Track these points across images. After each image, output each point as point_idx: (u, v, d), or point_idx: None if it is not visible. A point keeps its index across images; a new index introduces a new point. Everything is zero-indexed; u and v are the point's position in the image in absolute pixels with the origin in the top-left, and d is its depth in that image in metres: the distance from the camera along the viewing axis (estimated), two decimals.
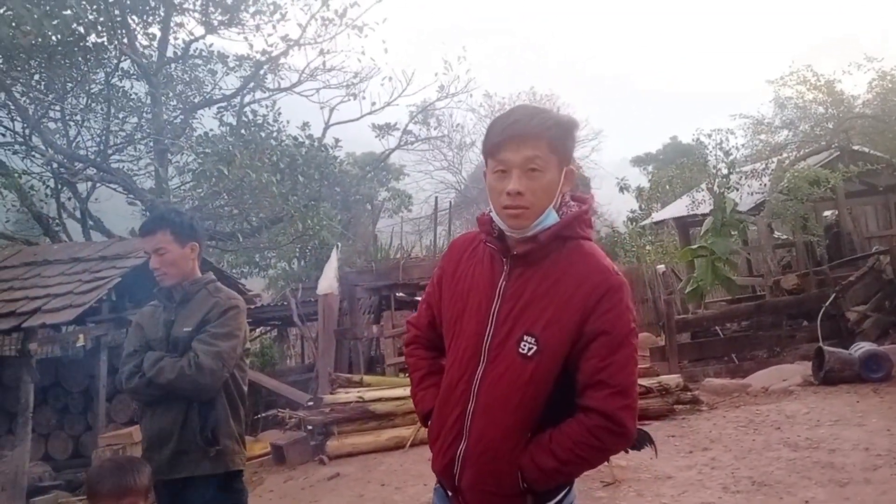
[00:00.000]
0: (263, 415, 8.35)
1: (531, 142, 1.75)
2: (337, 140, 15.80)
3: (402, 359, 8.22)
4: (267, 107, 14.99)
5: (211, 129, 13.63)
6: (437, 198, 16.42)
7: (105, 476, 2.62)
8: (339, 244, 12.54)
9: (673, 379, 7.69)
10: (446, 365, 1.94)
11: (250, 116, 14.64)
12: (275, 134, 14.19)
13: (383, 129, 17.78)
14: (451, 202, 17.44)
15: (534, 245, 1.78)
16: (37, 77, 12.26)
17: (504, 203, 1.76)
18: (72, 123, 13.47)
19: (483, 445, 1.78)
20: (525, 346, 1.74)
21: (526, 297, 1.78)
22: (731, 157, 13.16)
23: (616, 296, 1.74)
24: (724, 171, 12.44)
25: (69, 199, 13.90)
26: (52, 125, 13.13)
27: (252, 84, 14.87)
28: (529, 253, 1.79)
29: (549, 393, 1.77)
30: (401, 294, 11.90)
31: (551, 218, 1.78)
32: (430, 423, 1.97)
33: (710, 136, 13.45)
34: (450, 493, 1.91)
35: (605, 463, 6.08)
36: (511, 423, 1.77)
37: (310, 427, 7.59)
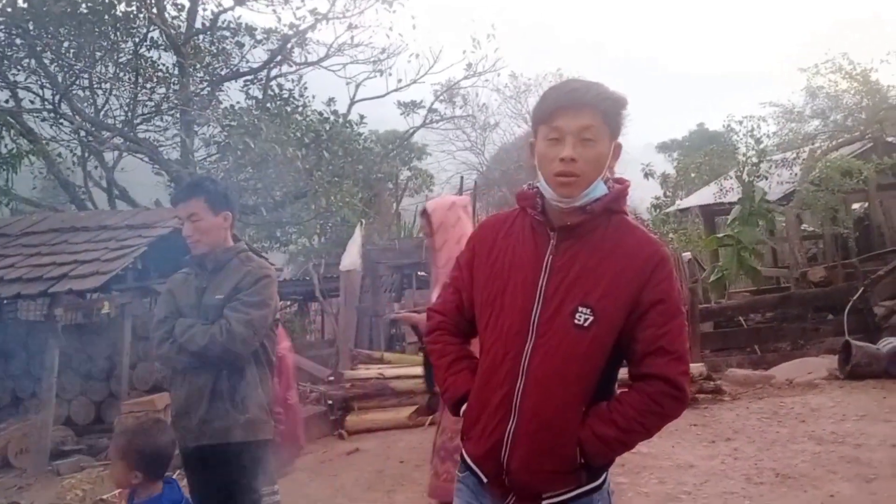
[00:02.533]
0: None
1: (588, 110, 1.75)
2: (362, 117, 15.75)
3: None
4: (293, 81, 14.99)
5: (237, 102, 13.63)
6: (462, 177, 16.34)
7: (118, 431, 2.66)
8: (363, 221, 12.51)
9: (696, 368, 7.60)
10: (484, 345, 1.90)
11: (276, 90, 14.63)
12: (300, 109, 14.16)
13: (409, 107, 17.69)
14: (475, 182, 17.33)
15: (585, 216, 1.78)
16: (66, 45, 12.30)
17: (556, 170, 1.76)
18: (100, 92, 13.54)
19: (539, 421, 1.75)
20: (581, 316, 1.73)
21: (576, 270, 1.76)
22: (762, 146, 12.96)
23: (667, 266, 1.78)
24: (754, 160, 12.26)
25: (95, 167, 14.03)
26: (80, 93, 13.19)
27: (279, 58, 14.83)
28: (580, 224, 1.78)
29: (604, 366, 1.77)
30: (423, 273, 11.88)
31: (599, 189, 1.79)
32: (465, 407, 1.91)
33: (740, 122, 13.26)
34: (486, 480, 1.86)
35: None
36: (568, 397, 1.75)
37: (330, 402, 7.61)
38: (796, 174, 12.63)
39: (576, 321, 1.73)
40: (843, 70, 15.11)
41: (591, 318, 1.73)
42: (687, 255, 12.47)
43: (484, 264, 1.93)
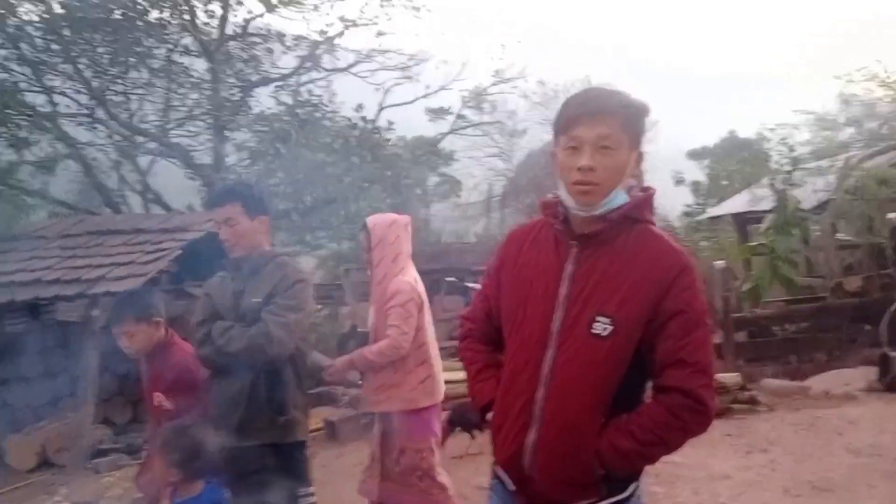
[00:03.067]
0: (316, 391, 8.41)
1: (606, 119, 1.74)
2: (390, 122, 15.83)
3: (453, 343, 8.20)
4: (322, 87, 15.10)
5: (268, 108, 13.77)
6: (490, 184, 16.35)
7: (163, 431, 2.70)
8: None
9: (731, 377, 7.49)
10: (508, 353, 1.91)
11: (306, 96, 14.75)
12: (330, 115, 14.27)
13: (437, 113, 17.76)
14: (504, 189, 17.33)
15: (604, 224, 1.77)
16: (101, 50, 12.53)
17: (574, 178, 1.75)
18: (134, 97, 13.75)
19: (557, 429, 1.74)
20: (599, 325, 1.72)
21: (595, 279, 1.75)
22: (795, 154, 12.78)
23: (690, 275, 1.75)
24: (788, 168, 12.08)
25: (130, 171, 14.23)
26: (114, 99, 13.41)
27: (309, 64, 14.96)
28: (600, 233, 1.77)
29: (623, 377, 1.74)
30: (451, 278, 11.89)
31: (620, 198, 1.77)
32: (491, 414, 1.93)
33: (772, 130, 13.09)
34: (512, 488, 1.86)
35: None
36: (585, 406, 1.74)
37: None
38: (831, 183, 12.42)
39: (593, 330, 1.72)
40: (877, 78, 14.87)
41: (611, 328, 1.71)
42: (720, 263, 12.33)
43: (510, 273, 1.94)
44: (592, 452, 1.72)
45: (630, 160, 1.78)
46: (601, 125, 1.73)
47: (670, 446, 1.77)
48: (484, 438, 6.33)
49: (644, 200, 1.83)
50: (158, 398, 3.04)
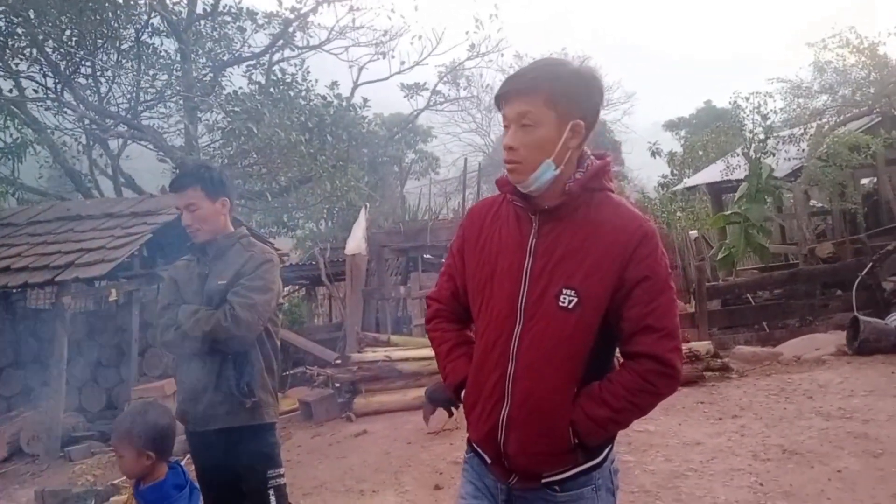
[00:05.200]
0: (292, 372, 8.45)
1: (524, 97, 1.74)
2: (365, 100, 15.70)
3: None
4: (296, 65, 14.94)
5: (240, 88, 13.61)
6: (466, 159, 16.30)
7: (116, 420, 2.67)
8: (367, 205, 12.51)
9: (703, 345, 7.60)
10: (478, 330, 1.91)
11: (279, 75, 14.59)
12: (303, 93, 14.12)
13: (412, 89, 17.63)
14: (479, 164, 17.29)
15: (564, 198, 1.76)
16: (67, 32, 12.29)
17: (504, 157, 1.78)
18: (102, 80, 13.55)
19: (530, 405, 1.76)
20: (565, 298, 1.72)
21: (560, 252, 1.76)
22: (769, 122, 12.83)
23: (652, 241, 1.75)
24: (761, 136, 12.14)
25: (101, 155, 14.07)
26: (83, 81, 13.19)
27: (281, 42, 14.78)
28: (560, 206, 1.77)
29: (592, 346, 1.75)
30: (428, 256, 11.89)
31: (549, 173, 1.75)
32: (464, 392, 1.93)
33: (747, 99, 13.10)
34: (489, 461, 1.88)
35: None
36: (558, 379, 1.75)
37: (337, 384, 7.66)
38: (804, 150, 12.50)
39: (560, 303, 1.73)
40: (850, 44, 14.91)
41: (576, 300, 1.72)
42: (693, 233, 12.43)
43: (473, 250, 1.94)
44: (567, 423, 1.74)
45: (561, 133, 1.74)
46: (521, 103, 1.73)
47: (643, 410, 1.79)
48: (461, 414, 6.42)
49: (601, 168, 1.81)
50: None
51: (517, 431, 1.77)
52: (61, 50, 12.37)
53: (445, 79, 19.07)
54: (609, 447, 1.86)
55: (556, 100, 1.73)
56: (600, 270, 1.72)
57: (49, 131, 12.79)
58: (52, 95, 12.74)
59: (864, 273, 9.43)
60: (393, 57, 16.50)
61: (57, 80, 12.64)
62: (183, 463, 2.82)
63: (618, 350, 1.85)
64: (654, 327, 1.72)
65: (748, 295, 10.95)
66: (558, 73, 1.76)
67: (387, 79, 16.90)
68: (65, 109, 12.95)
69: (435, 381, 6.76)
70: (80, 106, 12.69)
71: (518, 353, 1.77)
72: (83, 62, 12.78)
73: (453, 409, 6.31)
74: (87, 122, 13.09)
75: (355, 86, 16.39)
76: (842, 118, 14.21)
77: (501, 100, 1.79)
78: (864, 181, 14.28)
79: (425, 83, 17.93)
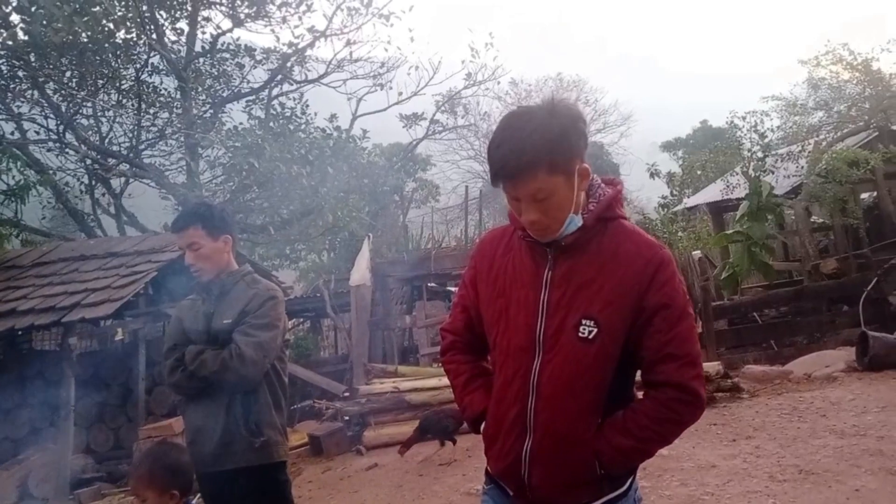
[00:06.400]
0: (299, 406, 8.39)
1: (528, 177, 1.67)
2: (364, 131, 15.80)
3: (436, 349, 8.19)
4: (294, 99, 15.07)
5: (240, 123, 13.71)
6: (467, 187, 16.35)
7: (135, 462, 2.65)
8: (370, 235, 12.53)
9: (712, 366, 7.54)
10: (495, 364, 1.89)
11: (278, 109, 14.71)
12: (303, 126, 14.25)
13: (410, 119, 17.74)
14: (480, 191, 17.34)
15: (578, 233, 1.75)
16: (68, 74, 12.45)
17: (527, 225, 1.75)
18: (104, 120, 13.68)
19: (553, 438, 1.74)
20: (585, 329, 1.70)
21: (576, 282, 1.74)
22: (766, 140, 12.91)
23: (669, 268, 1.74)
24: (759, 155, 12.20)
25: (103, 194, 14.15)
26: (84, 122, 13.32)
27: (279, 76, 14.92)
28: (576, 240, 1.76)
29: (613, 375, 1.74)
30: (433, 284, 11.89)
31: (574, 224, 1.74)
32: (484, 425, 1.92)
33: (744, 118, 13.19)
34: (511, 493, 1.85)
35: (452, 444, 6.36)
36: (580, 411, 1.73)
37: (346, 417, 7.61)
38: (802, 167, 12.55)
39: (580, 334, 1.71)
40: (843, 61, 15.05)
41: (595, 330, 1.70)
42: (696, 253, 12.41)
43: (486, 281, 1.92)
44: (591, 454, 1.73)
45: (573, 187, 1.72)
46: (525, 185, 1.68)
47: (667, 440, 1.78)
48: (452, 447, 6.40)
49: (613, 198, 1.80)
50: None
51: (541, 464, 1.75)
52: (62, 91, 12.52)
53: (443, 108, 19.16)
54: (632, 476, 1.84)
55: (557, 164, 1.68)
56: (619, 299, 1.71)
57: (51, 172, 12.88)
58: (54, 137, 12.87)
59: (869, 288, 9.42)
60: (391, 88, 16.61)
61: (59, 122, 12.76)
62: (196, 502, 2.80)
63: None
64: (676, 355, 1.71)
65: (754, 313, 10.92)
66: (547, 135, 1.67)
67: (385, 109, 17.00)
68: (67, 150, 13.08)
69: (429, 412, 6.75)
70: (82, 146, 12.80)
71: (538, 385, 1.75)
72: (84, 103, 12.92)
73: (449, 441, 6.32)
74: (89, 161, 13.19)
75: (354, 117, 16.51)
76: (839, 134, 14.29)
77: (504, 183, 1.72)
78: (865, 196, 14.31)
79: (423, 113, 18.04)
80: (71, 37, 11.44)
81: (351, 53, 15.46)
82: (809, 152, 12.65)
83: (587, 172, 1.75)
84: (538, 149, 1.66)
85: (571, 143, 1.70)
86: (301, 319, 14.28)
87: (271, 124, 13.77)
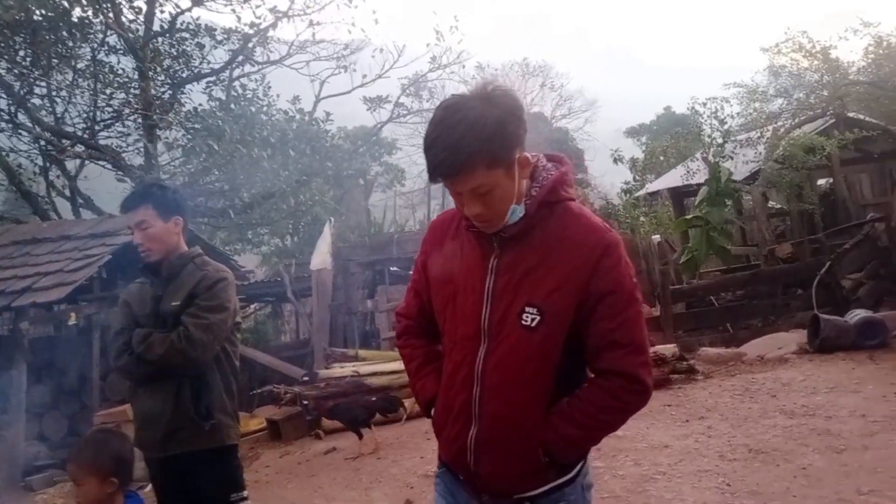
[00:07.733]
0: (258, 391, 8.32)
1: (466, 175, 1.62)
2: (328, 114, 15.63)
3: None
4: (256, 81, 14.82)
5: (200, 104, 13.46)
6: None
7: (76, 448, 2.61)
8: (332, 219, 12.43)
9: (668, 349, 7.68)
10: (444, 350, 1.87)
11: (240, 91, 14.45)
12: (265, 108, 14.01)
13: (375, 102, 17.57)
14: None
15: (522, 223, 1.71)
16: (21, 53, 12.07)
17: (471, 217, 1.71)
18: (58, 100, 13.30)
19: (499, 427, 1.72)
20: (528, 317, 1.67)
21: (522, 269, 1.71)
22: (726, 126, 13.09)
23: (615, 253, 1.69)
24: (719, 141, 12.37)
25: (58, 176, 13.79)
26: (38, 102, 12.95)
27: (241, 57, 14.67)
28: (519, 230, 1.72)
29: (559, 363, 1.71)
30: (395, 268, 11.87)
31: (516, 214, 1.70)
32: (434, 411, 1.90)
33: (704, 104, 13.35)
34: (461, 477, 1.85)
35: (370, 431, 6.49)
36: (525, 400, 1.71)
37: (305, 402, 7.57)
38: (761, 153, 12.76)
39: (523, 322, 1.68)
40: (803, 48, 15.29)
41: (539, 318, 1.67)
42: (656, 237, 12.58)
43: (435, 266, 1.90)
44: (537, 443, 1.70)
45: (513, 178, 1.67)
46: (464, 182, 1.63)
47: (613, 427, 1.76)
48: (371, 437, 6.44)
49: (556, 180, 1.74)
50: None
51: (486, 453, 1.74)
52: (15, 71, 12.14)
53: (408, 91, 19.03)
54: (582, 463, 1.82)
55: (496, 158, 1.62)
56: (563, 286, 1.67)
57: (4, 153, 12.52)
58: (6, 117, 12.49)
59: (822, 272, 9.62)
60: (355, 70, 16.46)
61: (10, 101, 12.39)
62: (147, 490, 2.76)
63: None
64: (621, 343, 1.68)
65: (712, 297, 11.11)
66: (483, 131, 1.59)
67: (349, 92, 16.83)
68: (20, 131, 12.70)
69: (337, 403, 6.80)
70: (36, 127, 12.46)
71: (483, 374, 1.72)
72: (38, 82, 12.54)
73: (362, 431, 6.41)
74: (42, 142, 12.85)
75: (317, 100, 16.34)
76: (797, 121, 14.54)
77: (440, 178, 1.65)
78: (821, 182, 14.61)
79: (388, 96, 17.87)
80: (23, 14, 11.11)
81: (314, 35, 15.30)
82: (768, 139, 12.86)
83: (527, 161, 1.71)
84: (475, 146, 1.59)
85: (509, 134, 1.64)
86: (261, 304, 14.15)
87: (232, 106, 13.53)
